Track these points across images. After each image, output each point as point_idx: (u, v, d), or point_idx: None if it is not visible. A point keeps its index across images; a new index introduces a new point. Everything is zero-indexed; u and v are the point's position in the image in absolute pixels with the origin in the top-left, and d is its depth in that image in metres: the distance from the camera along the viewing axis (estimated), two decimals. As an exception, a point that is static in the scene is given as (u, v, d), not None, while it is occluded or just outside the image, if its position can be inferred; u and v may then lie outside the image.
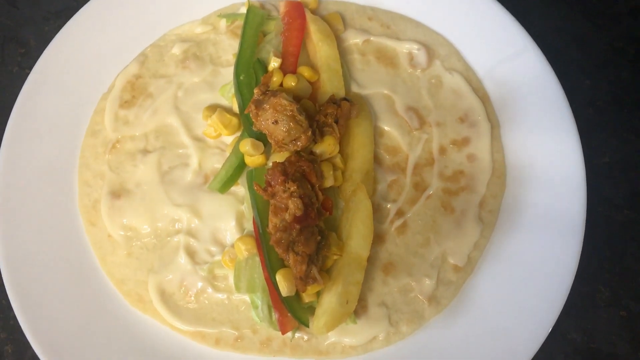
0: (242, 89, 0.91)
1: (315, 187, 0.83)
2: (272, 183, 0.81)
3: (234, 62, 0.94)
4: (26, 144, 0.95)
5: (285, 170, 0.81)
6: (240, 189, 0.91)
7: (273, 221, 0.81)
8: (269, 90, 0.87)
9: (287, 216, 0.79)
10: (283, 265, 0.81)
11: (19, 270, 0.87)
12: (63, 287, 0.89)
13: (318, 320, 0.80)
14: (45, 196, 0.93)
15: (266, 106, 0.84)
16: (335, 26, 1.01)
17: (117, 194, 0.93)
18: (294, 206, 0.78)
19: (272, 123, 0.84)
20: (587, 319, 0.94)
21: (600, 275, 0.96)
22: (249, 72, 0.92)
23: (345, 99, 0.90)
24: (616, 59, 1.11)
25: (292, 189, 0.79)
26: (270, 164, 0.85)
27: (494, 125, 0.96)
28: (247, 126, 0.89)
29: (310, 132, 0.85)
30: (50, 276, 0.89)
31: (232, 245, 0.88)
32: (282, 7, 0.97)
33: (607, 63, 1.11)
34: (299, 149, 0.85)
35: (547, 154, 0.92)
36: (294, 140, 0.85)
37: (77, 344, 0.85)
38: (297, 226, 0.78)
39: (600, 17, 1.15)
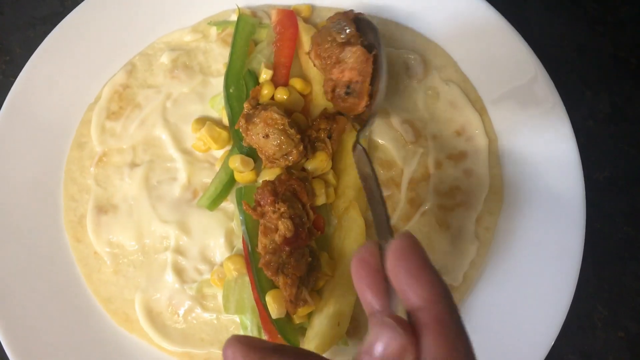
0: (232, 102, 0.88)
1: (307, 206, 0.80)
2: (262, 203, 0.78)
3: (224, 73, 0.91)
4: (10, 156, 0.92)
5: (275, 190, 0.78)
6: (230, 204, 0.89)
7: (263, 242, 0.78)
8: (259, 104, 0.85)
9: (276, 237, 0.77)
10: (273, 285, 0.79)
11: (1, 288, 0.85)
12: (48, 305, 0.86)
13: (309, 343, 0.78)
14: (30, 211, 0.91)
15: (256, 120, 0.82)
16: (329, 35, 0.97)
17: (104, 209, 0.91)
18: (283, 227, 0.76)
19: (263, 137, 0.81)
20: (585, 340, 0.92)
21: (598, 295, 0.94)
22: (239, 84, 0.89)
23: (339, 113, 0.87)
24: (618, 69, 1.08)
25: (282, 209, 0.77)
26: (260, 181, 0.83)
27: (492, 139, 0.94)
28: (237, 141, 0.86)
29: (302, 147, 0.82)
30: (35, 294, 0.86)
31: (221, 264, 0.86)
32: (273, 15, 0.94)
33: (609, 73, 1.08)
34: (290, 164, 0.83)
35: (545, 168, 0.90)
36: (285, 155, 0.82)
37: (63, 364, 0.83)
38: (287, 248, 0.76)
39: (603, 24, 1.11)
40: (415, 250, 0.48)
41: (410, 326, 0.46)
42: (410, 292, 0.47)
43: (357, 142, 0.77)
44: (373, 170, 0.69)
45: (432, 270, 0.48)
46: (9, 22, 1.14)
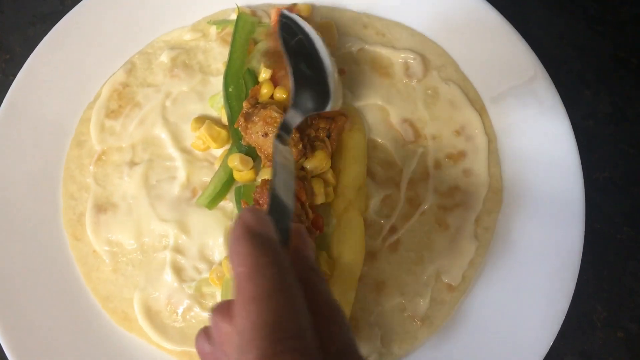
0: (231, 101, 0.88)
1: (305, 205, 0.80)
2: (261, 202, 0.78)
3: (224, 71, 0.91)
4: (9, 155, 0.92)
5: (273, 189, 0.78)
6: (229, 203, 0.88)
7: (261, 241, 0.78)
8: (259, 103, 0.85)
9: (275, 236, 0.76)
10: (272, 284, 0.79)
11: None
12: (47, 303, 0.86)
13: (307, 342, 0.78)
14: (29, 209, 0.91)
15: (256, 119, 0.82)
16: (329, 34, 0.97)
17: (103, 208, 0.91)
18: (282, 226, 0.76)
19: (262, 136, 0.82)
20: (584, 341, 0.92)
21: (597, 295, 0.94)
22: (239, 83, 0.89)
23: (339, 112, 0.87)
24: (618, 69, 1.08)
25: (280, 208, 0.76)
26: (259, 180, 0.83)
27: (491, 138, 0.94)
28: (236, 140, 0.86)
29: (300, 146, 0.82)
30: (33, 292, 0.86)
31: (220, 263, 0.85)
32: (272, 14, 0.94)
33: (609, 73, 1.08)
34: (289, 163, 0.83)
35: (545, 168, 0.90)
36: (284, 154, 0.82)
37: (61, 363, 0.83)
38: (286, 247, 0.76)
39: (603, 24, 1.11)
40: (234, 226, 0.48)
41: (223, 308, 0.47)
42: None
43: (276, 135, 0.71)
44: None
45: (239, 242, 0.46)
46: (9, 20, 1.14)
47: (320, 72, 0.79)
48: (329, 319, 0.46)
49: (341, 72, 0.81)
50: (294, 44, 0.80)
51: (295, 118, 0.74)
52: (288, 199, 0.57)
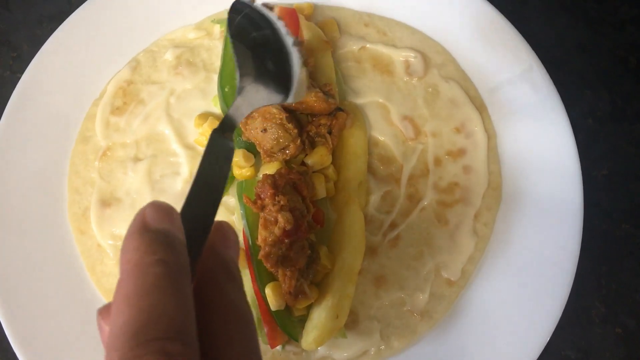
0: (229, 101, 0.90)
1: (306, 199, 0.81)
2: (262, 196, 0.79)
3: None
4: (16, 150, 0.94)
5: (275, 183, 0.79)
6: (231, 198, 0.90)
7: (262, 234, 0.79)
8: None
9: (276, 230, 0.78)
10: (273, 278, 0.80)
11: (5, 279, 0.86)
12: (51, 296, 0.88)
13: (307, 335, 0.79)
14: (35, 203, 0.92)
15: (255, 114, 0.83)
16: (331, 33, 0.99)
17: (107, 202, 0.92)
18: (283, 220, 0.77)
19: (261, 132, 0.83)
20: (582, 336, 0.93)
21: (596, 291, 0.95)
22: (234, 83, 0.90)
23: (339, 109, 0.89)
24: (618, 69, 1.09)
25: (282, 202, 0.77)
26: (260, 175, 0.84)
27: (491, 135, 0.95)
28: (236, 137, 0.88)
29: (299, 141, 0.83)
30: (39, 286, 0.88)
31: (222, 257, 0.86)
32: (275, 13, 0.95)
33: (609, 72, 1.09)
34: (287, 158, 0.84)
35: (544, 165, 0.90)
36: (283, 149, 0.84)
37: (66, 355, 0.84)
38: (287, 240, 0.77)
39: (603, 24, 1.12)
40: (132, 221, 0.45)
41: (106, 307, 0.46)
42: None
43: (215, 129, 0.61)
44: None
45: (130, 237, 0.44)
46: (17, 19, 1.16)
47: (282, 62, 0.69)
48: (228, 324, 0.43)
49: (306, 63, 0.76)
50: (252, 32, 0.71)
51: (242, 109, 0.64)
52: (213, 193, 0.54)
